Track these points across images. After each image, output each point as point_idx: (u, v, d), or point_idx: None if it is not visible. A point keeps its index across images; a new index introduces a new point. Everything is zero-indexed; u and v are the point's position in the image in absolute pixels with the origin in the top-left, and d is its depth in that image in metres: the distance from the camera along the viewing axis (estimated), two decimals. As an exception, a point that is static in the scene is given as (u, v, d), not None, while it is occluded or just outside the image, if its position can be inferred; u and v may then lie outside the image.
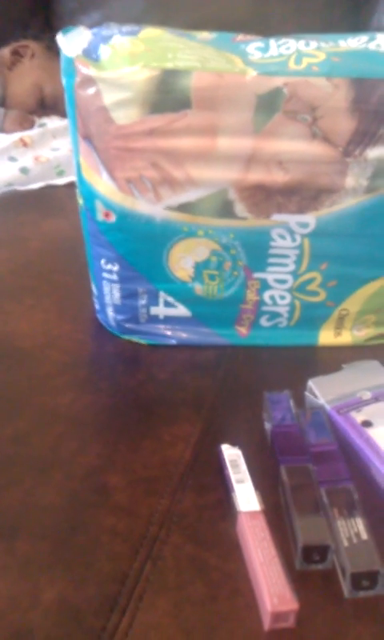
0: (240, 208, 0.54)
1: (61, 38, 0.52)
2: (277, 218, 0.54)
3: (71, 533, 0.43)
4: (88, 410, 0.54)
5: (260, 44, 0.53)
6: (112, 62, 0.49)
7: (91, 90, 0.50)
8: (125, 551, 0.42)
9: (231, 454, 0.48)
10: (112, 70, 0.49)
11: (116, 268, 0.59)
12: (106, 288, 0.61)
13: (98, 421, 0.53)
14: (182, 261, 0.57)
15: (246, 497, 0.44)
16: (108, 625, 0.38)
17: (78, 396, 0.55)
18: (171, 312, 0.61)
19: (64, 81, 0.52)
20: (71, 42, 0.51)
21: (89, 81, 0.49)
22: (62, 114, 1.15)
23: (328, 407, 0.52)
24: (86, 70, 0.49)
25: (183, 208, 0.54)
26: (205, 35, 0.55)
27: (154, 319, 0.62)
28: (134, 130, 0.50)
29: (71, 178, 0.98)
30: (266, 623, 0.38)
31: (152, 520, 0.44)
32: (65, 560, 0.42)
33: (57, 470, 0.48)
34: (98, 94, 0.50)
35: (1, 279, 0.72)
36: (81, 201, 0.57)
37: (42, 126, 1.14)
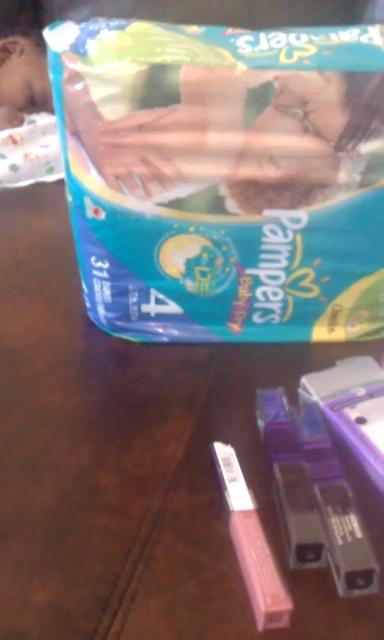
0: (231, 204, 0.53)
1: (48, 34, 0.51)
2: (268, 213, 0.54)
3: (63, 533, 0.43)
4: (79, 409, 0.54)
5: (250, 37, 0.52)
6: (100, 56, 0.49)
7: (79, 86, 0.49)
8: (117, 552, 0.42)
9: (224, 452, 0.48)
10: (100, 65, 0.48)
11: (106, 265, 0.58)
12: (97, 286, 0.60)
13: (90, 420, 0.53)
14: (173, 257, 0.57)
15: (238, 495, 0.44)
16: (99, 627, 0.38)
17: (69, 395, 0.55)
18: (162, 309, 0.61)
19: (51, 76, 0.51)
20: (58, 37, 0.51)
21: (76, 76, 0.49)
22: (52, 110, 1.13)
23: (322, 404, 0.52)
24: (73, 65, 0.49)
25: (173, 204, 0.53)
26: (194, 29, 0.54)
27: (146, 317, 0.61)
28: (123, 126, 0.50)
29: (61, 174, 0.97)
30: (260, 624, 0.37)
31: (144, 520, 0.44)
32: (56, 561, 0.41)
33: (48, 471, 0.48)
34: (85, 90, 0.49)
35: (-9, 278, 0.71)
36: (70, 198, 0.57)
37: (31, 122, 1.13)
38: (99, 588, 0.40)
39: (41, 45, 1.22)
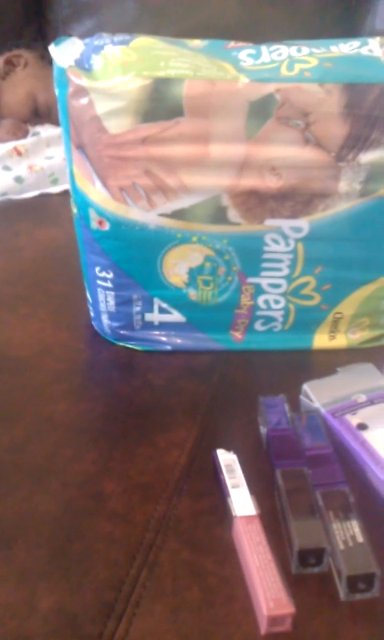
0: (233, 214, 0.54)
1: (53, 49, 0.52)
2: (270, 223, 0.55)
3: (68, 540, 0.43)
4: (84, 418, 0.54)
5: (252, 51, 0.53)
6: (104, 71, 0.50)
7: (84, 100, 0.50)
8: (121, 558, 0.42)
9: (226, 458, 0.48)
10: (104, 80, 0.49)
11: (110, 275, 0.59)
12: (101, 295, 0.61)
13: (94, 428, 0.53)
14: (176, 267, 0.57)
15: (241, 501, 0.44)
16: (105, 631, 0.38)
17: (74, 403, 0.56)
18: (166, 318, 0.61)
19: (57, 91, 0.52)
20: (64, 52, 0.52)
21: (81, 91, 0.50)
22: (56, 122, 1.15)
23: (323, 410, 0.53)
24: (78, 80, 0.50)
25: (177, 215, 0.54)
26: (197, 43, 0.55)
27: (149, 325, 0.62)
28: (127, 139, 0.51)
29: (65, 186, 0.99)
30: (263, 627, 0.38)
31: (148, 526, 0.45)
32: (62, 567, 0.42)
33: (53, 478, 0.48)
34: (90, 104, 0.50)
35: (-4, 288, 0.72)
36: (75, 209, 0.58)
37: (35, 134, 1.14)
38: (104, 593, 0.40)
39: (45, 58, 1.24)
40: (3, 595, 0.40)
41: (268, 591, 0.38)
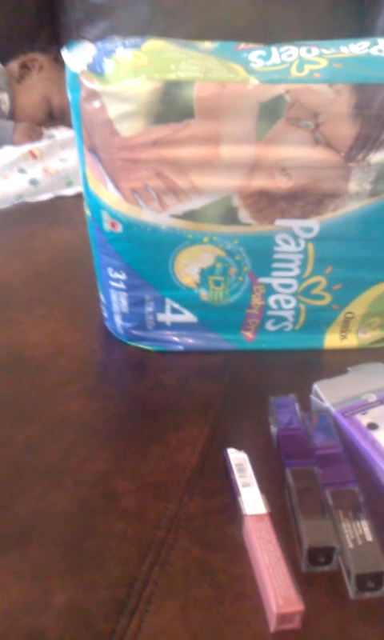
0: (244, 214, 0.55)
1: (66, 54, 0.53)
2: (281, 223, 0.55)
3: (81, 538, 0.44)
4: (97, 417, 0.55)
5: (262, 52, 0.53)
6: (116, 75, 0.50)
7: (96, 104, 0.51)
8: (133, 555, 0.43)
9: (237, 457, 0.48)
10: (116, 84, 0.50)
11: (123, 276, 0.59)
12: (114, 296, 0.61)
13: (107, 427, 0.54)
14: (188, 267, 0.58)
15: (252, 500, 0.45)
16: (117, 628, 0.39)
17: (88, 403, 0.56)
18: (178, 318, 0.62)
19: (69, 95, 0.53)
20: (76, 56, 0.53)
21: (93, 94, 0.50)
22: (70, 124, 1.16)
23: (333, 410, 0.53)
24: (90, 84, 0.50)
25: (188, 216, 0.55)
26: (207, 45, 0.56)
27: (161, 326, 0.62)
28: (139, 141, 0.51)
29: (79, 188, 0.99)
30: (272, 625, 0.38)
31: (160, 524, 0.45)
32: (75, 565, 0.42)
33: (67, 477, 0.49)
34: (102, 108, 0.51)
35: (12, 290, 0.73)
36: (88, 212, 0.58)
37: (50, 137, 1.15)
38: (117, 590, 0.41)
39: (59, 61, 1.25)
40: (18, 592, 0.41)
41: (278, 589, 0.39)
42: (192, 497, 0.47)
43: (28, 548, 0.43)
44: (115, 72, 0.51)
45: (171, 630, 0.39)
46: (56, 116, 1.23)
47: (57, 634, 0.38)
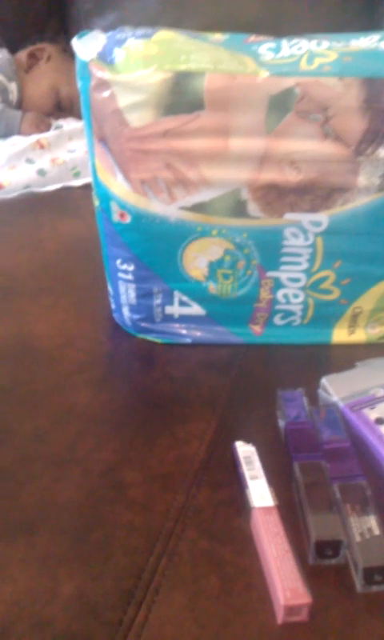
0: (253, 207, 0.54)
1: (76, 43, 0.53)
2: (290, 217, 0.55)
3: (89, 528, 0.44)
4: (105, 408, 0.55)
5: (272, 44, 0.53)
6: (126, 65, 0.50)
7: (106, 93, 0.50)
8: (141, 546, 0.43)
9: (245, 450, 0.49)
10: (126, 73, 0.50)
11: (131, 268, 0.59)
12: (122, 288, 0.62)
13: (115, 418, 0.54)
14: (196, 260, 0.58)
15: (259, 493, 0.45)
16: (125, 618, 0.39)
17: (95, 394, 0.56)
18: (186, 311, 0.62)
19: (79, 84, 0.52)
20: (86, 45, 0.52)
21: (103, 84, 0.50)
22: (78, 115, 1.15)
23: (341, 404, 0.53)
24: (100, 73, 0.50)
25: (197, 208, 0.55)
26: (217, 37, 0.55)
27: (169, 318, 0.62)
28: (148, 132, 0.51)
29: (87, 179, 0.99)
30: (279, 616, 0.38)
31: (168, 515, 0.45)
32: (83, 555, 0.43)
33: (74, 467, 0.49)
34: (112, 97, 0.50)
35: (20, 281, 0.73)
36: (96, 202, 0.58)
37: (58, 127, 1.15)
38: (124, 581, 0.41)
39: (67, 51, 1.24)
40: (25, 581, 0.41)
41: (285, 581, 0.39)
42: (200, 489, 0.47)
43: (35, 537, 0.44)
44: (125, 62, 0.50)
45: (179, 621, 0.39)
46: (64, 107, 1.22)
47: (64, 623, 0.39)
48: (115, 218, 0.57)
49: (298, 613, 0.38)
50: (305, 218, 0.55)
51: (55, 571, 0.41)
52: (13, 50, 1.26)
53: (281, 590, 0.39)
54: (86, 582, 0.41)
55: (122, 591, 0.41)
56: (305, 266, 0.58)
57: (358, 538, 0.41)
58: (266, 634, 0.38)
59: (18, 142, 1.07)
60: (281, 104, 0.50)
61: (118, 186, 0.55)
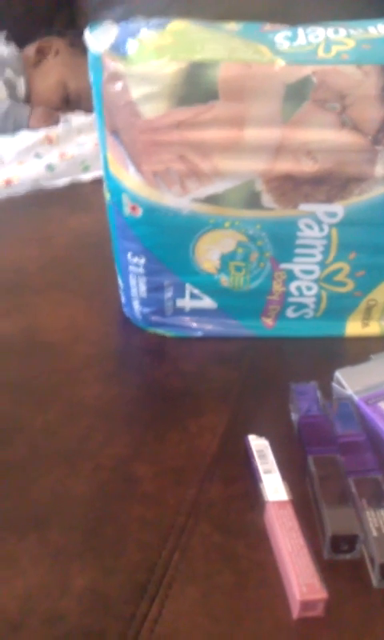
0: (267, 199, 0.54)
1: (88, 35, 0.52)
2: (304, 207, 0.54)
3: (101, 522, 0.44)
4: (115, 402, 0.55)
5: (288, 33, 0.52)
6: (140, 56, 0.50)
7: (119, 85, 0.50)
8: (154, 540, 0.43)
9: (258, 444, 0.48)
10: (140, 64, 0.49)
11: (142, 261, 0.59)
12: (133, 281, 0.61)
13: (125, 412, 0.54)
14: (209, 253, 0.57)
15: (273, 486, 0.44)
16: (137, 612, 0.39)
17: (106, 388, 0.56)
18: (197, 304, 0.61)
19: (91, 77, 0.52)
20: (98, 38, 0.52)
21: (116, 76, 0.50)
22: (87, 110, 1.15)
23: (356, 398, 0.52)
24: (113, 64, 0.49)
25: (210, 200, 0.54)
26: (232, 26, 0.54)
27: (180, 311, 0.62)
28: (162, 124, 0.51)
29: (96, 173, 0.99)
30: (295, 612, 0.38)
31: (180, 510, 0.45)
32: (95, 549, 0.42)
33: (85, 461, 0.49)
34: (125, 89, 0.50)
35: (29, 275, 0.72)
36: (108, 195, 0.58)
37: (66, 122, 1.14)
38: (137, 575, 0.41)
39: (75, 45, 1.24)
40: (38, 575, 0.41)
41: (301, 576, 0.38)
42: (212, 482, 0.47)
43: (47, 532, 0.43)
44: (139, 53, 0.50)
45: (192, 616, 0.38)
46: (72, 101, 1.22)
47: (77, 617, 0.38)
48: (127, 211, 0.56)
49: (313, 608, 0.38)
50: (320, 208, 0.54)
51: (67, 566, 0.41)
52: (21, 44, 1.25)
53: (296, 585, 0.38)
54: (98, 576, 0.41)
55: (135, 586, 0.40)
56: (319, 257, 0.57)
57: (374, 533, 0.41)
58: (281, 629, 0.38)
59: (26, 137, 1.07)
60: (297, 93, 0.49)
61: (130, 178, 0.54)
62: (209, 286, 0.60)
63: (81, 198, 0.95)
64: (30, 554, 0.42)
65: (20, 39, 1.26)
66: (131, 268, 0.60)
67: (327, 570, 0.40)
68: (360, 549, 0.41)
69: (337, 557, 0.41)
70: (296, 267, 0.58)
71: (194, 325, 0.62)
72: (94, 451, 0.49)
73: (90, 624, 0.38)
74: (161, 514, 0.44)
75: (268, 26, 0.54)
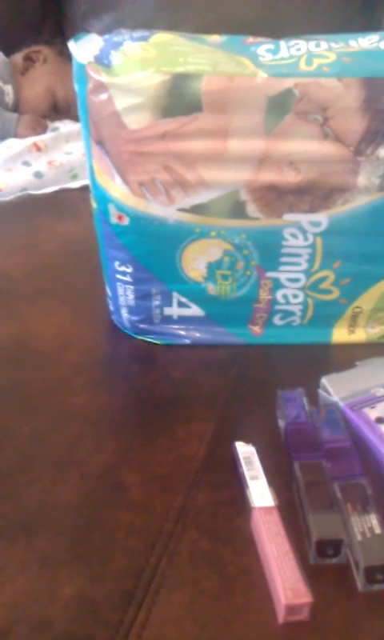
0: (252, 208, 0.55)
1: (73, 45, 0.53)
2: (289, 217, 0.55)
3: (88, 529, 0.44)
4: (103, 410, 0.55)
5: (270, 46, 0.53)
6: (124, 67, 0.50)
7: (103, 96, 0.50)
8: (141, 547, 0.43)
9: (245, 451, 0.49)
10: (124, 76, 0.50)
11: (130, 270, 0.59)
12: (120, 289, 0.61)
13: (114, 420, 0.54)
14: (195, 261, 0.58)
15: (260, 493, 0.45)
16: (125, 618, 0.39)
17: (94, 396, 0.56)
18: (185, 312, 0.62)
19: (76, 87, 0.52)
20: (83, 48, 0.52)
21: (101, 87, 0.50)
22: (75, 118, 1.16)
23: (342, 404, 0.53)
24: (98, 76, 0.50)
25: (195, 209, 0.55)
26: (215, 38, 0.55)
27: (168, 319, 0.62)
28: (146, 134, 0.51)
29: (84, 181, 0.99)
30: (281, 616, 0.38)
31: (168, 516, 0.45)
32: (82, 556, 0.42)
33: (73, 469, 0.49)
34: (110, 100, 0.50)
35: (16, 282, 0.73)
36: (94, 204, 0.58)
37: (54, 130, 1.15)
38: (124, 582, 0.41)
39: (64, 53, 1.24)
40: (25, 582, 0.41)
41: (286, 581, 0.39)
42: (199, 489, 0.47)
43: (35, 538, 0.43)
44: (123, 64, 0.50)
45: (179, 621, 0.39)
46: (61, 109, 1.22)
47: (64, 623, 0.39)
48: (113, 220, 0.57)
49: (299, 612, 0.38)
50: (304, 218, 0.55)
51: (55, 573, 0.41)
52: (8, 52, 1.26)
53: (282, 589, 0.38)
54: (86, 583, 0.41)
55: (123, 592, 0.40)
56: (304, 266, 0.58)
57: (359, 537, 0.41)
58: (267, 633, 0.38)
59: (14, 145, 1.07)
60: (280, 105, 0.50)
61: (116, 188, 0.55)
62: (196, 295, 0.60)
63: (69, 206, 0.95)
64: (18, 560, 0.42)
65: (8, 47, 1.27)
66: (118, 276, 0.61)
67: (313, 574, 0.40)
68: (345, 553, 0.42)
69: (322, 561, 0.42)
70: (282, 275, 0.59)
71: (182, 333, 0.63)
72: (83, 458, 0.50)
73: (78, 630, 0.38)
74: (148, 521, 0.45)
75: (250, 39, 0.55)
